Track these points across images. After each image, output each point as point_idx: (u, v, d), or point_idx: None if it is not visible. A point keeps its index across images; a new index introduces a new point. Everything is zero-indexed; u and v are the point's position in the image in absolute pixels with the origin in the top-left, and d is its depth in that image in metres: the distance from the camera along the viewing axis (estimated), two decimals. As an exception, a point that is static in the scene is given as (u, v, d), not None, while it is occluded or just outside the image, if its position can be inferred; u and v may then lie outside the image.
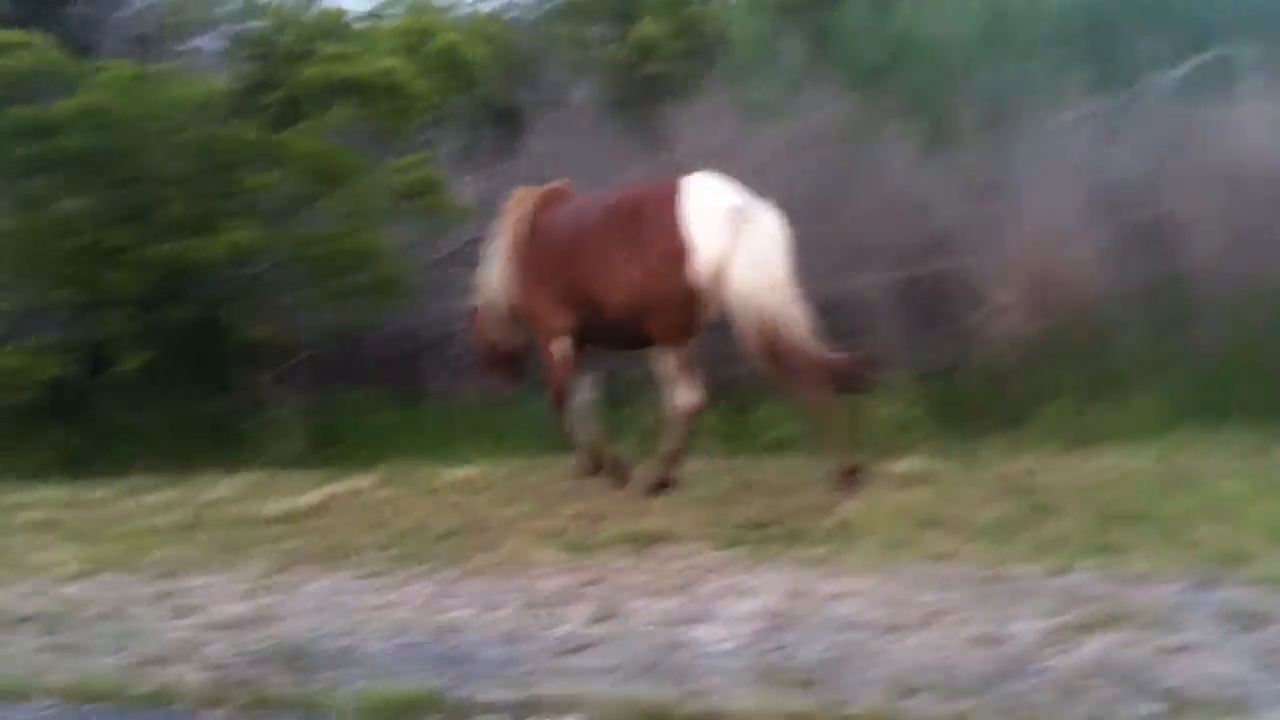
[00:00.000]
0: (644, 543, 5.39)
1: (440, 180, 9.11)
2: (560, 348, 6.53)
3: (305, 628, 4.65)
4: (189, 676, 4.25)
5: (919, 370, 7.75)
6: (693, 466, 6.72)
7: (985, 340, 7.84)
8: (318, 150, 8.41)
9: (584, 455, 6.75)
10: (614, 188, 6.81)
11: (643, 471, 6.53)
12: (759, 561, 5.00)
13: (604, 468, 6.69)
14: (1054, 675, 3.69)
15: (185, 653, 4.52)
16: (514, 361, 7.32)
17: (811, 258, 8.12)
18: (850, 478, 5.93)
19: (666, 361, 6.18)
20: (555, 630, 4.42)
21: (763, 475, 6.57)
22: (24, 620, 5.05)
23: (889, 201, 8.36)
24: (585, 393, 6.81)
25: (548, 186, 6.88)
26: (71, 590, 5.42)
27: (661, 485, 6.32)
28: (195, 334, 8.54)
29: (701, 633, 4.24)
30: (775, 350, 5.75)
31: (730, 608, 4.47)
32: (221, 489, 7.27)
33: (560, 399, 6.67)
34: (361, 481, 7.08)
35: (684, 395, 6.17)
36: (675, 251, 5.79)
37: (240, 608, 4.97)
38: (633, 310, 6.03)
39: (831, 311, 7.66)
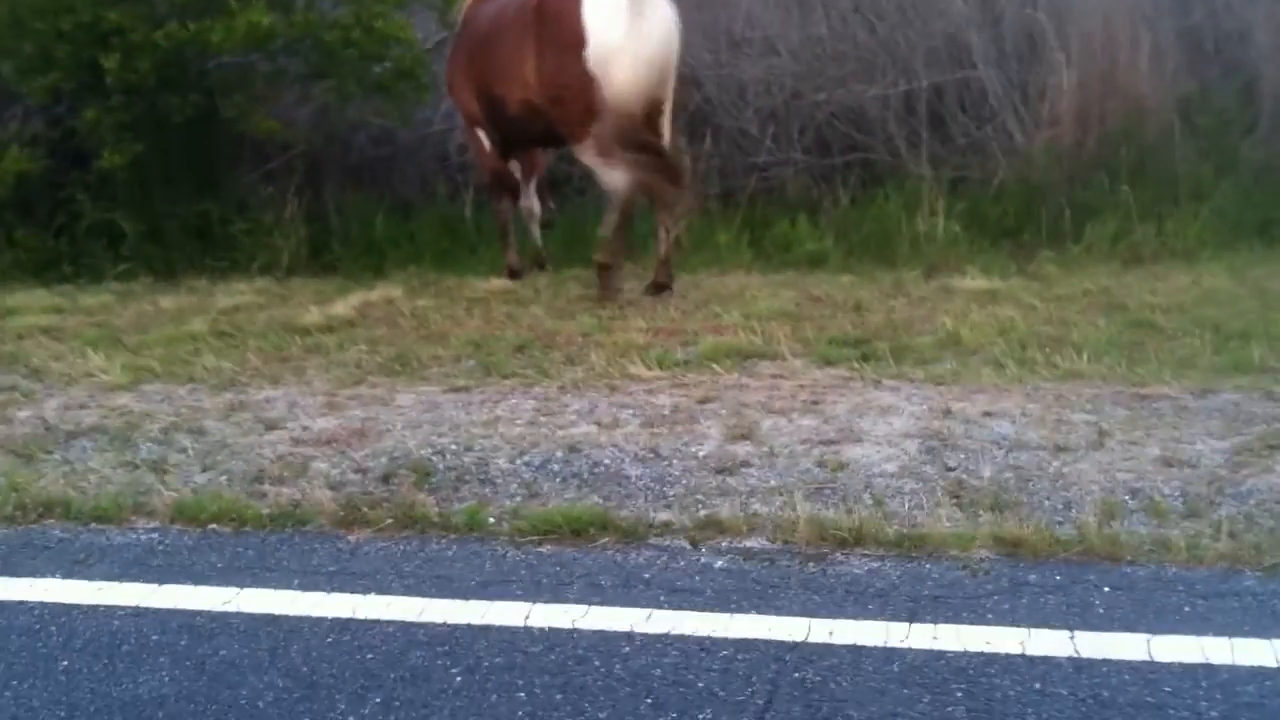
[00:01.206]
0: (739, 358, 5.11)
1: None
2: (481, 135, 6.86)
3: (416, 444, 4.34)
4: (313, 495, 3.84)
5: (951, 184, 7.50)
6: (745, 280, 6.64)
7: (1027, 154, 7.55)
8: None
9: (512, 250, 7.03)
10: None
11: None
12: (878, 379, 4.76)
13: (520, 271, 7.01)
14: (1260, 498, 3.50)
15: (292, 470, 4.18)
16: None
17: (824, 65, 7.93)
18: (656, 289, 6.34)
19: (581, 153, 6.27)
20: (695, 449, 4.14)
21: (819, 290, 6.32)
22: (87, 433, 4.57)
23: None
24: (530, 198, 7.17)
25: None
26: (125, 401, 5.00)
27: (604, 271, 6.35)
28: (185, 129, 7.81)
29: (859, 453, 4.00)
30: (653, 143, 6.06)
31: (876, 427, 4.23)
32: (235, 296, 6.74)
33: (491, 188, 7.07)
34: (391, 291, 6.68)
35: (611, 176, 6.18)
36: (571, 43, 5.92)
37: (329, 422, 4.61)
38: (528, 105, 6.29)
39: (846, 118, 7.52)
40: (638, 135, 6.09)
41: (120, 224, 7.97)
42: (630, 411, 4.55)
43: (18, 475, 4.19)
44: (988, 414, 4.30)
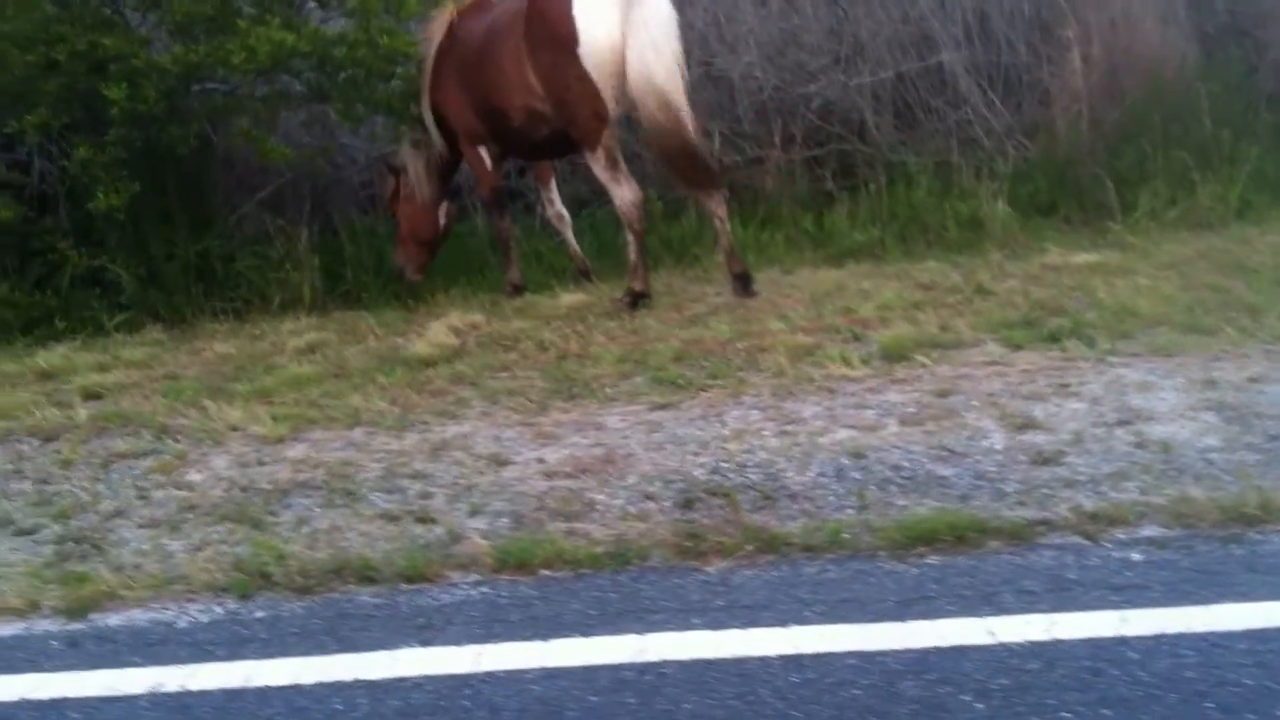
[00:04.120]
0: (928, 348, 4.99)
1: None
2: (482, 151, 6.74)
3: (680, 465, 4.10)
4: (624, 528, 3.63)
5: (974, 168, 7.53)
6: (824, 275, 6.53)
7: (1050, 130, 7.66)
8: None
9: (514, 267, 6.90)
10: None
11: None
12: (1097, 358, 4.71)
13: (523, 287, 6.84)
14: None
15: (570, 505, 3.93)
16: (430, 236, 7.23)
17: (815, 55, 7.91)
18: (741, 284, 6.13)
19: (594, 164, 6.12)
20: (985, 442, 4.02)
21: (923, 278, 6.26)
22: (294, 490, 4.18)
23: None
24: (557, 204, 7.04)
25: None
26: (303, 452, 4.56)
27: (638, 297, 6.17)
28: (179, 162, 7.24)
29: (1167, 430, 3.93)
30: (678, 142, 5.84)
31: (1154, 404, 4.18)
32: (296, 335, 6.25)
33: (492, 205, 6.96)
34: (468, 316, 6.27)
35: (620, 193, 6.07)
36: (564, 43, 5.79)
37: (558, 452, 4.34)
38: (532, 112, 6.16)
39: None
40: (669, 140, 5.92)
41: (112, 271, 7.25)
42: (873, 411, 4.40)
43: (268, 542, 3.76)
44: (1253, 380, 4.26)
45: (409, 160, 7.18)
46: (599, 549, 3.54)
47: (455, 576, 3.51)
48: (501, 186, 6.99)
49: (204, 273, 7.53)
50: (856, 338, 5.24)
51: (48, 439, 4.90)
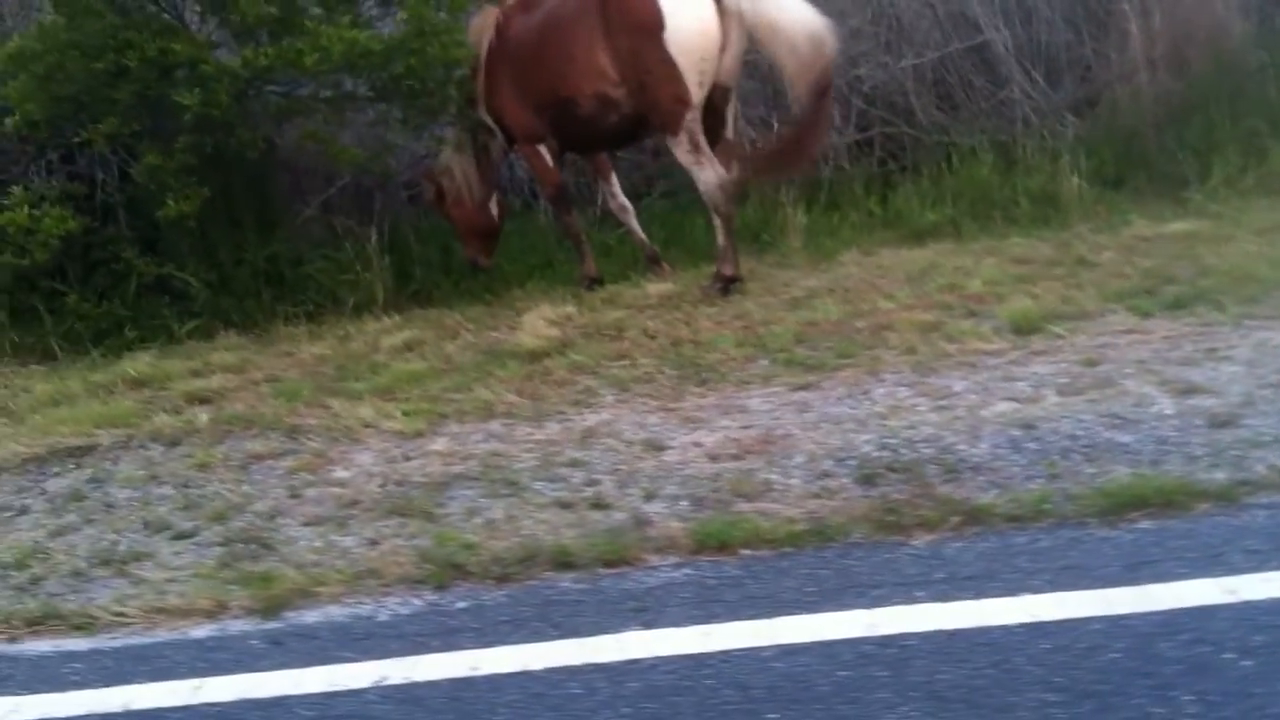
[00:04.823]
0: (1058, 319, 4.99)
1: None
2: (542, 149, 6.66)
3: (842, 443, 4.07)
4: (816, 505, 3.62)
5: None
6: (907, 254, 6.49)
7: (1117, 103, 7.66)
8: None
9: (589, 260, 6.80)
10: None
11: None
12: (1233, 323, 4.72)
13: (599, 279, 6.74)
14: None
15: (744, 486, 3.88)
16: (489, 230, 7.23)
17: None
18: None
19: (675, 148, 6.03)
20: (1154, 408, 4.00)
21: (1015, 252, 6.26)
22: (450, 483, 4.13)
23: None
24: (619, 196, 6.98)
25: None
26: (445, 445, 4.53)
27: (730, 281, 6.14)
28: (244, 165, 7.16)
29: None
30: (823, 80, 5.77)
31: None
32: (383, 335, 6.19)
33: (558, 202, 6.91)
34: (563, 309, 6.21)
35: (704, 176, 6.00)
36: (648, 27, 5.76)
37: (712, 435, 4.33)
38: (604, 99, 6.09)
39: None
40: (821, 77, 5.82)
41: (179, 278, 7.16)
42: (1024, 383, 4.39)
43: (447, 533, 3.71)
44: None
45: (453, 165, 7.14)
46: (798, 527, 3.46)
47: (654, 560, 3.46)
48: (564, 183, 6.96)
49: (270, 277, 7.41)
50: (974, 313, 5.21)
51: (172, 444, 4.83)
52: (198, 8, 6.80)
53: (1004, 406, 4.16)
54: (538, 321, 5.98)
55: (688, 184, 6.59)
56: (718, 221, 6.20)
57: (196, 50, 6.54)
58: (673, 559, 3.47)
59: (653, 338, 5.52)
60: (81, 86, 6.61)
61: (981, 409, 4.17)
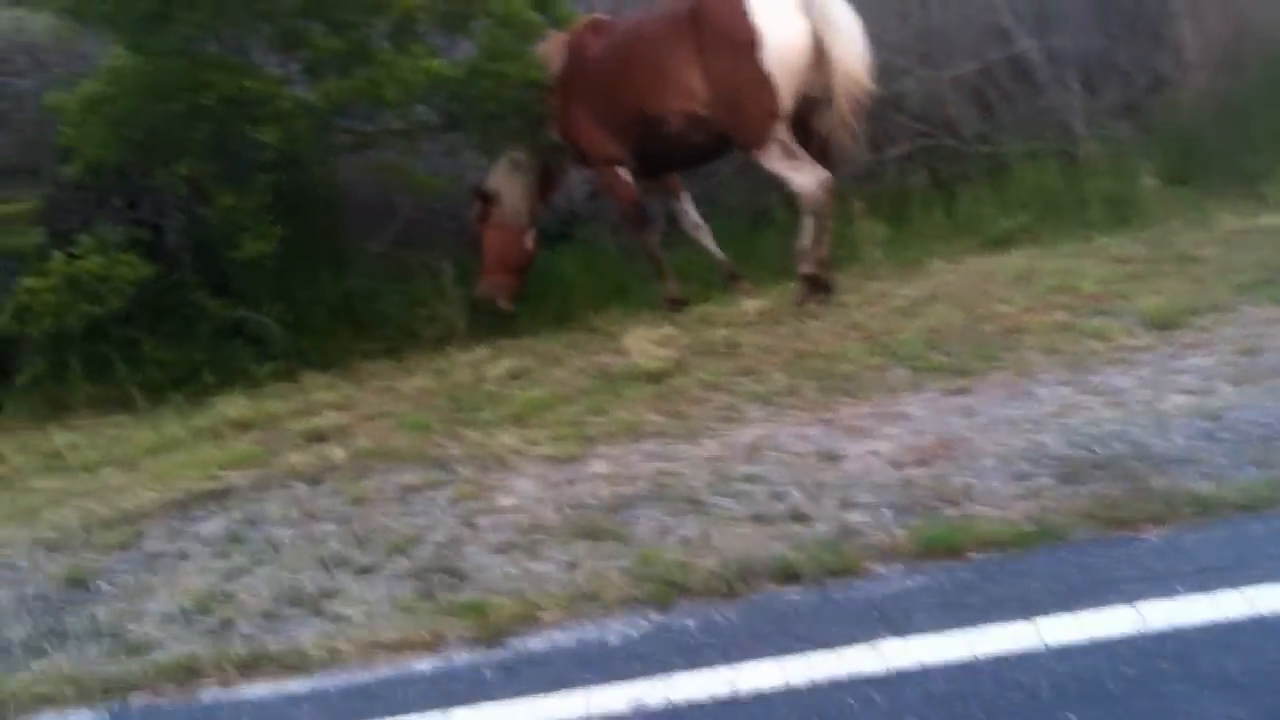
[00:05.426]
0: (1194, 313, 4.99)
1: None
2: (620, 172, 6.69)
3: (1028, 445, 4.02)
4: (1027, 507, 3.58)
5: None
6: (997, 260, 6.47)
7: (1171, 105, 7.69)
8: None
9: (671, 280, 6.78)
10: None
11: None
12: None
13: (683, 300, 6.72)
14: None
15: (942, 492, 3.82)
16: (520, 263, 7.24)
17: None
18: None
19: (765, 160, 6.06)
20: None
21: (1114, 252, 6.25)
22: (627, 505, 4.07)
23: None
24: (691, 216, 7.05)
25: (582, 21, 6.91)
26: (605, 468, 4.46)
27: (821, 286, 6.17)
28: (315, 201, 7.08)
29: None
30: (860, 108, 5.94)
31: None
32: (486, 367, 6.10)
33: (637, 223, 6.88)
34: (663, 330, 6.17)
35: (802, 179, 6.03)
36: (743, 44, 5.82)
37: (885, 443, 4.28)
38: (692, 117, 6.14)
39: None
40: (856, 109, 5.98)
41: (253, 319, 7.06)
42: (1190, 376, 4.40)
43: (650, 553, 3.66)
44: None
45: (503, 185, 7.11)
46: (1023, 528, 3.40)
47: (879, 568, 3.40)
48: (642, 203, 6.91)
49: (343, 313, 7.32)
50: (1102, 311, 5.18)
51: (313, 481, 4.73)
52: (271, 44, 6.66)
53: (1180, 400, 4.13)
54: (643, 343, 5.91)
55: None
56: (811, 223, 6.16)
57: (271, 87, 6.44)
58: (898, 566, 3.40)
59: (773, 353, 5.44)
60: (153, 129, 6.48)
61: (1157, 403, 4.14)
